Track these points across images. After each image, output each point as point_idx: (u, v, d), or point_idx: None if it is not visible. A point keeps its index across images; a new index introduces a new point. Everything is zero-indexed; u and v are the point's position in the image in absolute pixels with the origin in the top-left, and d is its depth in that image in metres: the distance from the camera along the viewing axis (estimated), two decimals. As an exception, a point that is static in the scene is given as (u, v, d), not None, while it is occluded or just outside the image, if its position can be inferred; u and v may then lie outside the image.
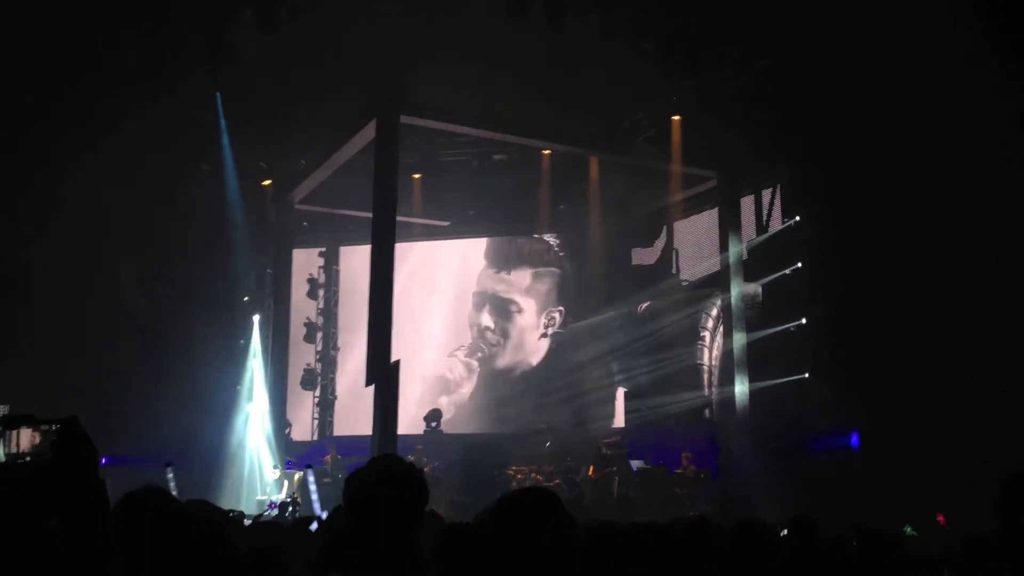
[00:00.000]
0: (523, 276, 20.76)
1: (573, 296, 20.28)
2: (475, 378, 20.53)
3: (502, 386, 20.28)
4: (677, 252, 19.40)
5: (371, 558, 2.35)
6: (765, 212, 17.56)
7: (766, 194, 17.59)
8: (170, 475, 14.88)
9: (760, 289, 16.96)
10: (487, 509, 2.80)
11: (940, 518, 10.25)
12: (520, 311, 20.64)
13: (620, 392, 18.80)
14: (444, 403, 19.93)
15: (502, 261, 20.91)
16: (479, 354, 20.57)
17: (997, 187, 11.85)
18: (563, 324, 20.26)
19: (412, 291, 20.15)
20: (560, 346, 20.13)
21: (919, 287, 12.77)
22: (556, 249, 20.68)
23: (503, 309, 20.70)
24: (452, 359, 20.64)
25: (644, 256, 19.99)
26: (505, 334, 20.61)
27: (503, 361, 20.55)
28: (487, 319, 20.64)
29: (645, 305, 18.92)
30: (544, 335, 20.42)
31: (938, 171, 12.34)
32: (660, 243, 19.71)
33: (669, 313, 18.31)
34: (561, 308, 20.34)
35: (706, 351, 18.12)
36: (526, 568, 2.31)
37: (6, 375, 17.23)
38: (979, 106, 11.78)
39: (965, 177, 12.09)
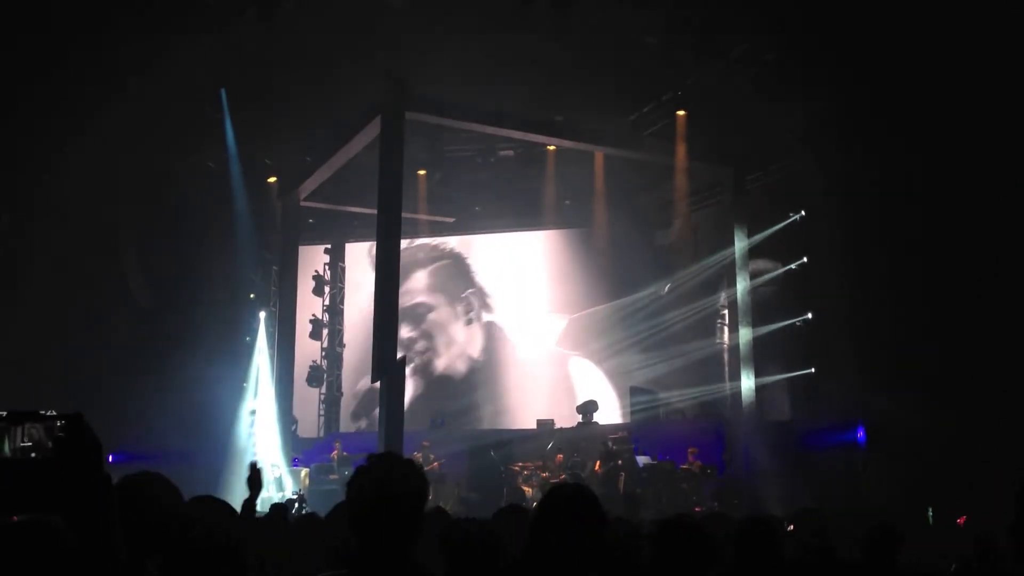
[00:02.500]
0: (419, 279, 20.94)
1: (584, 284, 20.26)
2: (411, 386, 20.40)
3: (450, 387, 20.37)
4: (696, 233, 19.27)
5: (376, 556, 2.35)
6: (772, 206, 17.50)
7: (773, 188, 17.54)
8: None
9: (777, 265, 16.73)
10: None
11: (960, 520, 10.16)
12: (430, 309, 20.79)
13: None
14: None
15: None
16: (411, 364, 20.30)
17: (1003, 182, 11.81)
18: (483, 308, 20.31)
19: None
20: (498, 334, 20.24)
21: (925, 281, 12.74)
22: (446, 243, 20.91)
23: (413, 315, 20.73)
24: None
25: (664, 237, 19.93)
26: (428, 336, 20.75)
27: (441, 362, 20.68)
28: (405, 332, 20.38)
29: (667, 288, 18.73)
30: (469, 321, 20.51)
31: (945, 166, 12.31)
32: (679, 224, 19.58)
33: (688, 300, 18.14)
34: (473, 290, 20.49)
35: (727, 331, 17.99)
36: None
37: (8, 372, 17.28)
38: (984, 103, 11.75)
39: (972, 172, 12.05)
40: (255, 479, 5.22)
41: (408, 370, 20.08)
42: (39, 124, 15.08)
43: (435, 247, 21.08)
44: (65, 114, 14.94)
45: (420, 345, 20.75)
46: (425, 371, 20.70)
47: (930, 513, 9.64)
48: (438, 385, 20.61)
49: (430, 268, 21.03)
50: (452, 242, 21.18)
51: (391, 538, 2.36)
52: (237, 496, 5.04)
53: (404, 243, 16.36)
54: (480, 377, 20.49)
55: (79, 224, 16.52)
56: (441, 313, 20.82)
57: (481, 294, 20.71)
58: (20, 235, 16.77)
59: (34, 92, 14.40)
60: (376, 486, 2.40)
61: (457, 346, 20.69)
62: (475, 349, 20.62)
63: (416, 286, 20.94)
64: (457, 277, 20.89)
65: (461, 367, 20.64)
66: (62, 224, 16.40)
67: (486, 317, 20.70)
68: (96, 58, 13.92)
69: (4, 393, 17.50)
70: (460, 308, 20.70)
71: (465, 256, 21.02)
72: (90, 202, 16.25)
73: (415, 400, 20.00)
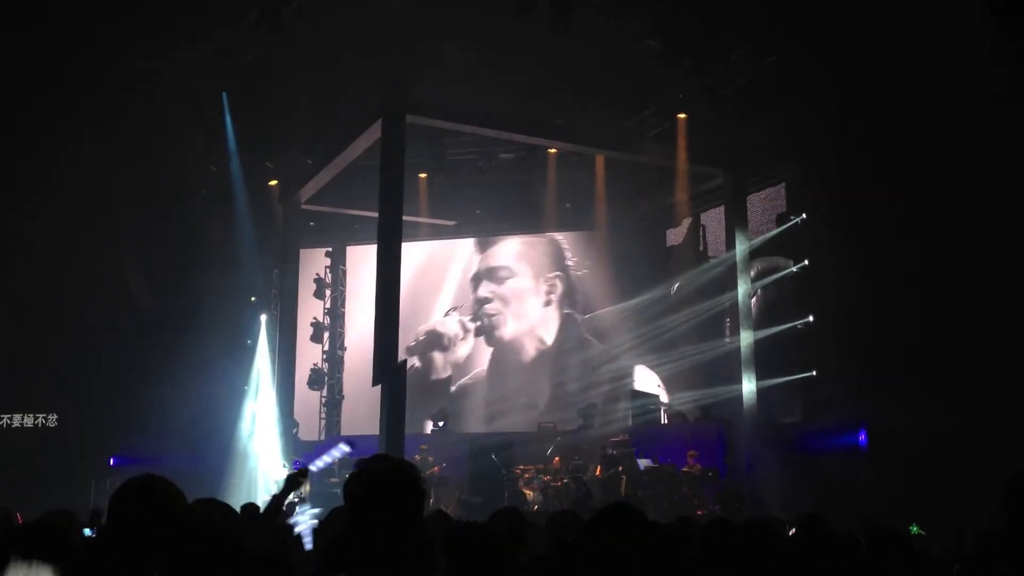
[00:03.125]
0: (511, 244, 20.90)
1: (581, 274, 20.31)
2: (471, 338, 20.57)
3: (515, 365, 20.27)
4: (705, 228, 19.25)
5: (374, 557, 2.35)
6: (772, 209, 17.51)
7: (773, 191, 17.55)
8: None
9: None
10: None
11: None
12: (513, 275, 20.70)
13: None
14: (439, 360, 20.00)
15: (489, 242, 21.11)
16: (478, 323, 20.59)
17: (1004, 185, 11.81)
18: (567, 293, 20.23)
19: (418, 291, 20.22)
20: (573, 324, 20.06)
21: (927, 284, 12.73)
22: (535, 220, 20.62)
23: (494, 275, 20.78)
24: (448, 316, 20.76)
25: (673, 237, 19.92)
26: (504, 300, 20.64)
27: (507, 331, 20.54)
28: (483, 290, 20.72)
29: (676, 286, 18.71)
30: (548, 303, 20.36)
31: (946, 168, 12.31)
32: (687, 221, 19.57)
33: (699, 295, 18.09)
34: (559, 273, 20.33)
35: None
36: None
37: (17, 377, 17.31)
38: (987, 104, 11.75)
39: (973, 174, 12.05)
40: (294, 479, 5.21)
41: (473, 328, 20.48)
42: (41, 127, 15.11)
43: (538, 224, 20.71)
44: (67, 118, 14.97)
45: (492, 307, 20.68)
46: (490, 333, 20.60)
47: (914, 529, 9.60)
48: (499, 353, 20.49)
49: (522, 238, 20.93)
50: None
51: (389, 539, 2.36)
52: (239, 498, 5.06)
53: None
54: (544, 362, 20.31)
55: (80, 227, 16.55)
56: (522, 282, 20.68)
57: (567, 279, 20.54)
58: (22, 238, 16.79)
59: (36, 95, 14.44)
60: (372, 488, 2.40)
61: (528, 322, 20.55)
62: (548, 334, 20.46)
63: (510, 251, 20.91)
64: (548, 255, 20.73)
65: (529, 347, 20.47)
66: (63, 227, 16.42)
67: (566, 308, 20.54)
68: (98, 62, 13.95)
69: (5, 394, 17.56)
70: (544, 286, 20.53)
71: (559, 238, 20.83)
72: (91, 205, 16.28)
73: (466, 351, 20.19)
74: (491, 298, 20.68)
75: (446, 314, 20.75)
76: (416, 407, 18.78)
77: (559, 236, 20.69)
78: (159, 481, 2.68)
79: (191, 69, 14.44)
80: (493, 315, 20.58)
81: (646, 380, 18.86)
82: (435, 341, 20.62)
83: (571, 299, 20.45)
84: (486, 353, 20.61)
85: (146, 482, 2.66)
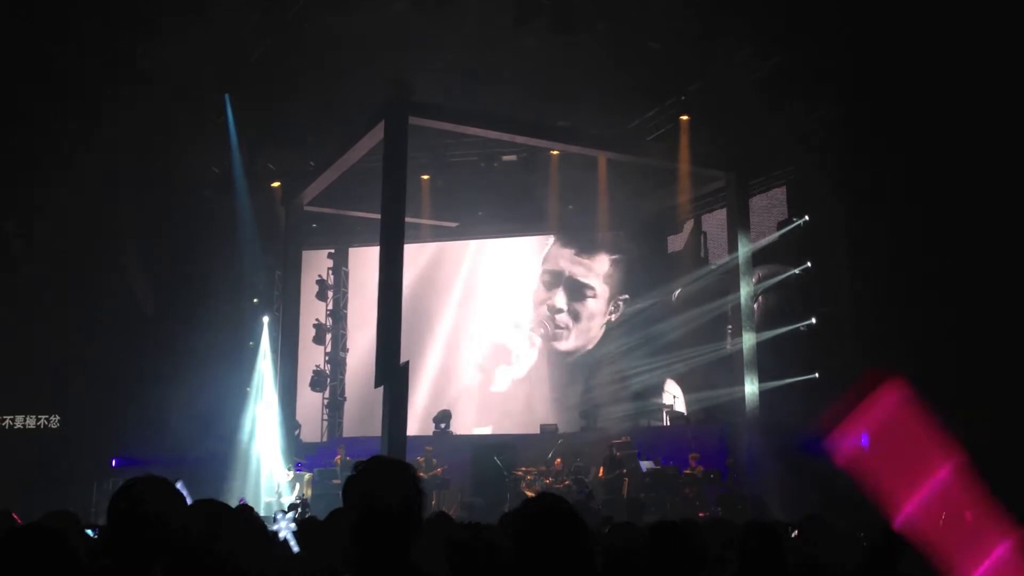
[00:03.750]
0: (602, 262, 20.54)
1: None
2: (535, 355, 20.40)
3: (559, 370, 20.21)
4: (706, 236, 19.25)
5: (377, 558, 2.35)
6: (775, 211, 17.51)
7: (775, 193, 17.54)
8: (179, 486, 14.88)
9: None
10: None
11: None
12: (595, 296, 20.44)
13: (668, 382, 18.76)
14: (502, 373, 19.84)
15: (584, 243, 20.65)
16: (542, 331, 20.45)
17: (1008, 184, 11.79)
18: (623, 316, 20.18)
19: (421, 292, 20.17)
20: (610, 333, 20.05)
21: (929, 285, 12.71)
22: (622, 235, 20.45)
23: (578, 292, 20.49)
24: (517, 329, 20.53)
25: (674, 243, 19.92)
26: (576, 317, 20.42)
27: (567, 344, 20.39)
28: (561, 299, 20.45)
29: (677, 292, 18.73)
30: (608, 322, 20.22)
31: (948, 170, 12.29)
32: (688, 227, 19.57)
33: (699, 301, 18.09)
34: (626, 296, 20.15)
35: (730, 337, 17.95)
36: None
37: (22, 379, 17.32)
38: (989, 106, 11.73)
39: (976, 175, 12.03)
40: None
41: (539, 343, 20.35)
42: (42, 128, 15.13)
43: (617, 233, 20.49)
44: (69, 118, 14.99)
45: (561, 319, 20.45)
46: (548, 342, 20.40)
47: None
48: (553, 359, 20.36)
49: (611, 258, 20.58)
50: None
51: (389, 541, 2.36)
52: (240, 500, 5.05)
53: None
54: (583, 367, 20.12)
55: (82, 229, 16.57)
56: (599, 304, 20.40)
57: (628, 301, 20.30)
58: (23, 240, 16.82)
59: (38, 96, 14.45)
60: (369, 490, 2.40)
61: (587, 338, 20.34)
62: (593, 344, 20.26)
63: (600, 268, 20.54)
64: (623, 276, 20.45)
65: (575, 355, 20.30)
66: (65, 229, 16.45)
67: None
68: (100, 64, 13.96)
69: (7, 395, 17.58)
70: (610, 306, 20.27)
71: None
72: (94, 206, 16.30)
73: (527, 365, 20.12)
74: (565, 310, 20.45)
75: (516, 326, 20.51)
76: (467, 421, 19.07)
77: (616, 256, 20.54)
78: (159, 482, 2.68)
79: (194, 70, 14.45)
80: (560, 327, 20.41)
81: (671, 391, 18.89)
82: (502, 356, 20.41)
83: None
84: (536, 354, 20.49)
85: (146, 483, 2.66)
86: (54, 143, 15.48)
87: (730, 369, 16.67)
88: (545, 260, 20.76)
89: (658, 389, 18.62)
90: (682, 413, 17.73)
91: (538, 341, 20.36)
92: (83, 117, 14.96)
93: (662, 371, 18.29)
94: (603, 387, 18.91)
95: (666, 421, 18.19)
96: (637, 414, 17.98)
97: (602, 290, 20.41)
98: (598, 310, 20.34)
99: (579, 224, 19.99)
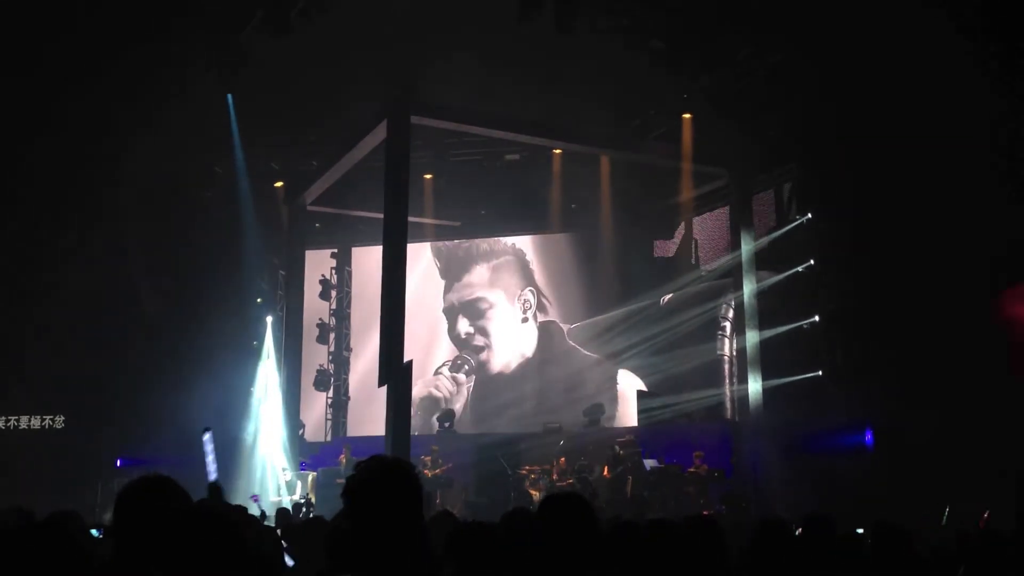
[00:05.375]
0: (481, 272, 20.78)
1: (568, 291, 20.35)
2: (465, 392, 20.43)
3: (504, 389, 20.21)
4: (697, 242, 19.34)
5: (376, 557, 2.36)
6: (777, 209, 17.50)
7: (778, 191, 17.53)
8: (207, 439, 14.86)
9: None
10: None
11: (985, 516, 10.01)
12: (491, 306, 20.63)
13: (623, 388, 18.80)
14: (438, 424, 19.60)
15: (457, 269, 20.93)
16: (465, 367, 20.48)
17: (1008, 185, 11.79)
18: (540, 306, 20.27)
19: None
20: (551, 334, 20.12)
21: (932, 283, 12.70)
22: (506, 241, 20.69)
23: (474, 310, 20.69)
24: (437, 377, 20.63)
25: (664, 249, 19.97)
26: (486, 333, 20.58)
27: (497, 361, 20.50)
28: (464, 326, 20.59)
29: (667, 298, 18.83)
30: (525, 319, 20.36)
31: (950, 168, 12.27)
32: (679, 235, 19.67)
33: (690, 305, 18.20)
34: (531, 288, 20.34)
35: (727, 342, 18.04)
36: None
37: (27, 378, 17.35)
38: (988, 105, 11.73)
39: (978, 174, 12.02)
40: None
41: (446, 368, 20.46)
42: (44, 128, 15.15)
43: (495, 241, 20.92)
44: (70, 120, 15.00)
45: (479, 341, 20.65)
46: (481, 371, 20.54)
47: (947, 512, 9.56)
48: (491, 384, 20.45)
49: (491, 263, 20.88)
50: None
51: (391, 541, 2.37)
52: (244, 500, 5.07)
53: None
54: (529, 375, 20.29)
55: (87, 229, 16.58)
56: (500, 310, 20.66)
57: (538, 293, 20.54)
58: (28, 241, 16.85)
59: (41, 98, 14.46)
60: (370, 489, 2.41)
61: (514, 345, 20.52)
62: (528, 348, 20.47)
63: (481, 280, 20.86)
64: (516, 273, 20.73)
65: (513, 365, 20.45)
66: (70, 230, 16.47)
67: (541, 317, 20.54)
68: (102, 66, 13.97)
69: (12, 395, 17.61)
70: (519, 304, 20.53)
71: (524, 253, 20.84)
72: (98, 208, 16.32)
73: (471, 400, 20.22)
74: (472, 332, 20.61)
75: (435, 373, 20.60)
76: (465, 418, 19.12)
77: (519, 241, 20.70)
78: (164, 481, 2.69)
79: (196, 71, 14.46)
80: (481, 349, 20.55)
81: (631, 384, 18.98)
82: (432, 406, 20.32)
83: (545, 310, 20.52)
84: (466, 391, 20.55)
85: (151, 482, 2.68)
86: (55, 143, 15.49)
87: (717, 370, 16.78)
88: (441, 308, 20.90)
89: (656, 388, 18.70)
90: (686, 412, 17.73)
91: (463, 379, 20.45)
92: (85, 118, 14.97)
93: (662, 370, 18.33)
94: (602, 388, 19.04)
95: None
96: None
97: (496, 297, 20.63)
98: (504, 315, 20.53)
99: (582, 223, 20.00)
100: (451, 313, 20.81)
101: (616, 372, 19.26)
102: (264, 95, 15.63)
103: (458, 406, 20.17)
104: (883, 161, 13.39)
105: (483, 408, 20.14)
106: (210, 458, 14.27)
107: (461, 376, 20.50)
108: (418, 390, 19.89)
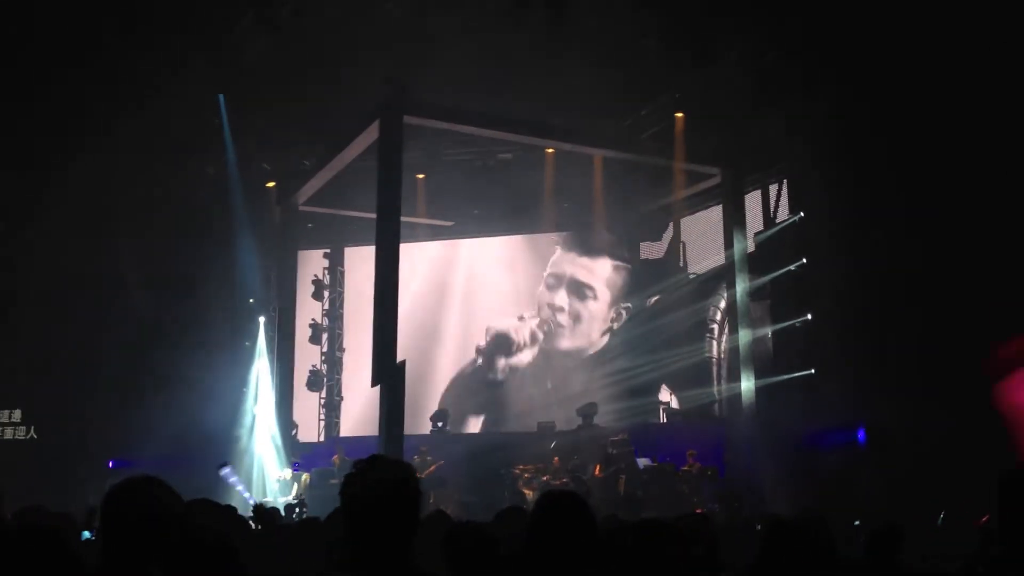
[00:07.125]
0: (604, 265, 20.66)
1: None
2: (537, 348, 20.54)
3: (558, 368, 20.32)
4: (684, 245, 19.37)
5: (373, 559, 2.36)
6: (770, 208, 17.53)
7: (771, 190, 17.56)
8: (227, 472, 14.91)
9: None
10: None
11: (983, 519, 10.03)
12: (595, 298, 20.57)
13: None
14: (501, 363, 19.98)
15: (584, 247, 20.81)
16: (546, 327, 20.58)
17: (1003, 183, 11.81)
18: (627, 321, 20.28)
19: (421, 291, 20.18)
20: (619, 344, 20.11)
21: (925, 282, 12.73)
22: (622, 245, 20.62)
23: (580, 291, 20.62)
24: (521, 322, 20.65)
25: (652, 251, 19.98)
26: (577, 317, 20.53)
27: (565, 343, 20.52)
28: (562, 298, 20.59)
29: (653, 299, 18.88)
30: (609, 329, 20.32)
31: (947, 166, 12.31)
32: (668, 236, 19.72)
33: (677, 307, 18.25)
34: (629, 305, 20.25)
35: (715, 344, 18.09)
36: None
37: (17, 380, 17.29)
38: (985, 104, 11.75)
39: (971, 173, 12.05)
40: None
41: (534, 320, 20.57)
42: (37, 129, 15.10)
43: (618, 241, 20.81)
44: (64, 119, 14.95)
45: (562, 317, 20.64)
46: (550, 340, 20.58)
47: (941, 517, 9.58)
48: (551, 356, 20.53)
49: (613, 263, 20.78)
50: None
51: (386, 541, 2.36)
52: (236, 500, 5.04)
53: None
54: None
55: (78, 231, 16.53)
56: (600, 306, 20.59)
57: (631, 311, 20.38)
58: (19, 242, 16.79)
59: (32, 98, 14.41)
60: (367, 490, 2.40)
61: (585, 340, 20.53)
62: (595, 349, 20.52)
63: (602, 271, 20.68)
64: (625, 285, 20.64)
65: (575, 357, 20.52)
66: (61, 230, 16.41)
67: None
68: (94, 65, 13.93)
69: (16, 398, 17.57)
70: (612, 313, 20.40)
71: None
72: (89, 208, 16.27)
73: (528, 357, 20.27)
74: (566, 309, 20.57)
75: (520, 318, 20.69)
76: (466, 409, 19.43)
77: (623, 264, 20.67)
78: (153, 482, 2.67)
79: (187, 71, 14.42)
80: (561, 325, 20.55)
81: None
82: (504, 344, 20.53)
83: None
84: (537, 348, 20.67)
85: (140, 483, 2.66)
86: (48, 144, 15.44)
87: (716, 368, 16.80)
88: (551, 265, 20.86)
89: (655, 387, 18.67)
90: (679, 410, 17.76)
91: (541, 337, 20.43)
92: (77, 118, 14.92)
93: (658, 371, 18.36)
94: (600, 387, 19.01)
95: (663, 418, 18.22)
96: (634, 412, 18.01)
97: (603, 294, 20.47)
98: (599, 313, 20.40)
99: (575, 223, 20.00)
100: (556, 280, 20.76)
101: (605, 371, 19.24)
102: (256, 95, 15.59)
103: (525, 356, 20.41)
104: (879, 159, 13.42)
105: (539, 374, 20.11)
106: (240, 487, 14.34)
107: (540, 333, 20.54)
108: (495, 323, 20.33)
